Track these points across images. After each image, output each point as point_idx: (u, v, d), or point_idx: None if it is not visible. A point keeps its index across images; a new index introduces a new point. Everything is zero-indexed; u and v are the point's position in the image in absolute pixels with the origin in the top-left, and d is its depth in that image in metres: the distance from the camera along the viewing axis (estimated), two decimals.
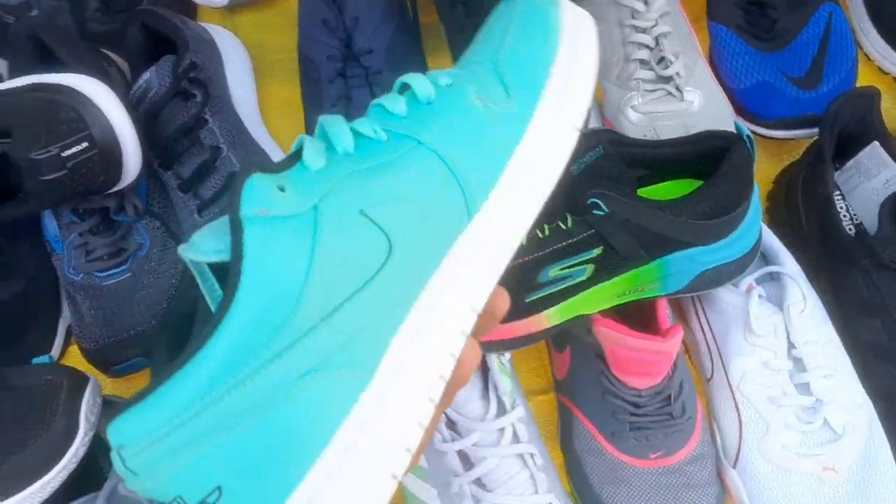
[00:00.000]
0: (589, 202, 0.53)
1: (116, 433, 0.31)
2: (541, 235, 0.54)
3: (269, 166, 0.35)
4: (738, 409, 0.63)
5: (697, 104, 0.69)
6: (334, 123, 0.38)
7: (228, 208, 0.32)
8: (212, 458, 0.30)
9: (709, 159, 0.58)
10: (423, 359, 0.34)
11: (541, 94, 0.40)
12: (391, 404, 0.32)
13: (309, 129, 0.75)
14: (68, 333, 0.73)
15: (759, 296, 0.62)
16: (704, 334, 0.66)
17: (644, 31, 0.70)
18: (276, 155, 0.73)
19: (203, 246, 0.33)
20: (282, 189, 0.34)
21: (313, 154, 0.36)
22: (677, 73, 0.69)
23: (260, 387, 0.30)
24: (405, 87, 0.40)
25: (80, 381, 0.59)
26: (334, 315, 0.32)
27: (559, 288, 0.55)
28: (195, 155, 0.69)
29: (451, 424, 0.59)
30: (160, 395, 0.30)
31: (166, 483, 0.30)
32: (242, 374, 0.30)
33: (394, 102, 0.39)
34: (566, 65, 0.41)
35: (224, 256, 0.32)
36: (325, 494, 0.30)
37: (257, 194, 0.33)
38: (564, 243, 0.54)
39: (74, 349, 0.71)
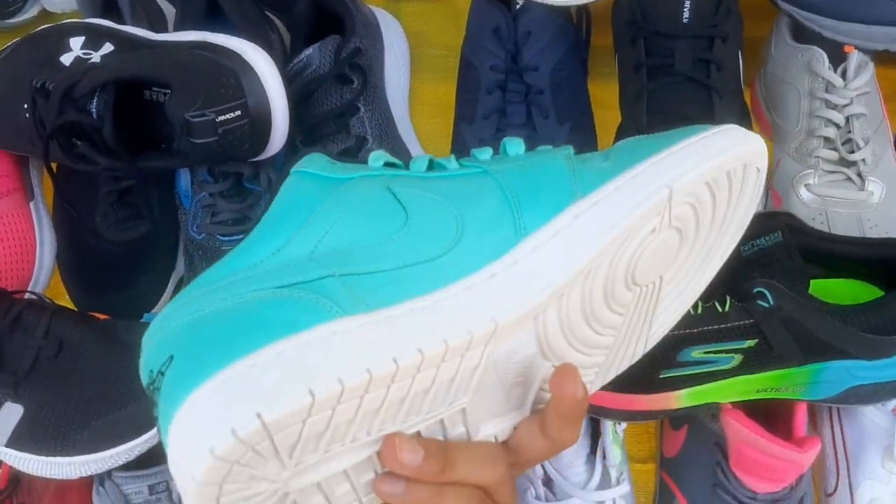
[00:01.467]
0: (755, 290, 0.49)
1: None
2: (692, 312, 0.50)
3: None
4: None
5: (878, 197, 0.63)
6: (420, 157, 0.41)
7: None
8: (175, 330, 0.33)
9: (890, 267, 0.53)
10: (403, 329, 0.33)
11: (641, 161, 0.38)
12: (340, 342, 0.32)
13: (457, 135, 0.72)
14: (177, 287, 0.72)
15: None
16: (836, 446, 0.61)
17: (836, 107, 0.64)
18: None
19: None
20: (332, 164, 0.39)
21: (377, 160, 0.40)
22: (863, 160, 0.63)
23: (244, 284, 0.34)
24: None
25: None
26: (328, 253, 0.34)
27: (698, 371, 0.51)
28: (340, 141, 0.67)
29: (548, 481, 0.56)
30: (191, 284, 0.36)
31: (146, 358, 0.34)
32: (243, 274, 0.34)
33: (482, 152, 0.41)
34: (686, 148, 0.39)
35: None
36: (238, 386, 0.30)
37: (309, 160, 0.39)
38: (716, 327, 0.50)
39: None
